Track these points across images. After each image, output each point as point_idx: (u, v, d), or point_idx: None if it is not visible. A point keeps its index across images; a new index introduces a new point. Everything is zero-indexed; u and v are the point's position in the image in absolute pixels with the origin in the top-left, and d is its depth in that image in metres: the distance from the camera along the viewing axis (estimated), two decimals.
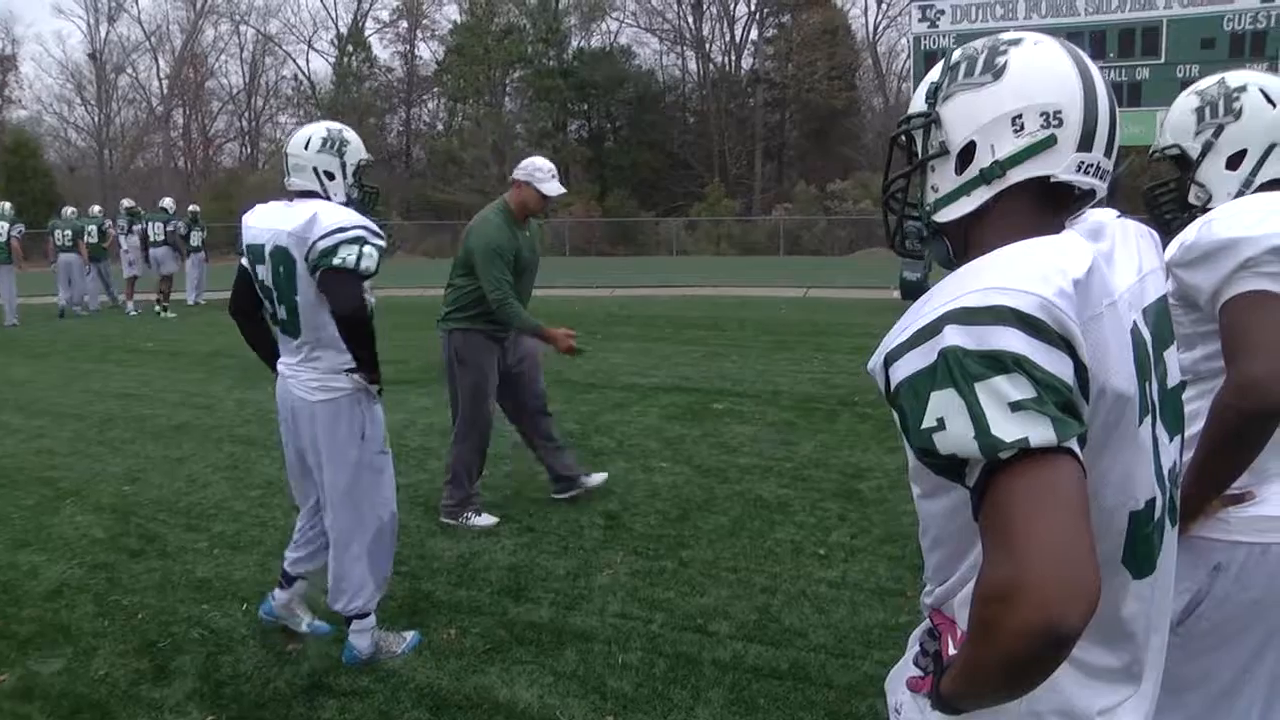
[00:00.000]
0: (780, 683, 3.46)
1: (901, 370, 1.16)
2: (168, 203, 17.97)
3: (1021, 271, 1.12)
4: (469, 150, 44.38)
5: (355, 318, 3.37)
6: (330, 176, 3.48)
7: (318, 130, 3.52)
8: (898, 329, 1.20)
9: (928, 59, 20.12)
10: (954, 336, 1.10)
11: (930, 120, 1.34)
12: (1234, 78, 2.13)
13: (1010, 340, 1.07)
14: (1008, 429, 1.05)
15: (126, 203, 18.52)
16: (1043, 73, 1.27)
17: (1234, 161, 2.12)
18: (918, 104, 1.38)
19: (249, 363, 3.50)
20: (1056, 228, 1.28)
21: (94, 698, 3.46)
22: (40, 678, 3.60)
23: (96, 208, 18.55)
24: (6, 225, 15.63)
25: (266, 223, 3.46)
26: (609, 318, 14.86)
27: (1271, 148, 2.10)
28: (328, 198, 3.47)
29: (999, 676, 1.08)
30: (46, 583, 4.49)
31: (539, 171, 5.06)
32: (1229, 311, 1.91)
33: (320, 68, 58.05)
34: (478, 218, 5.16)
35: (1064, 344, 1.09)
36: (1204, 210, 2.11)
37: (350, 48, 49.67)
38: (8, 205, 16.43)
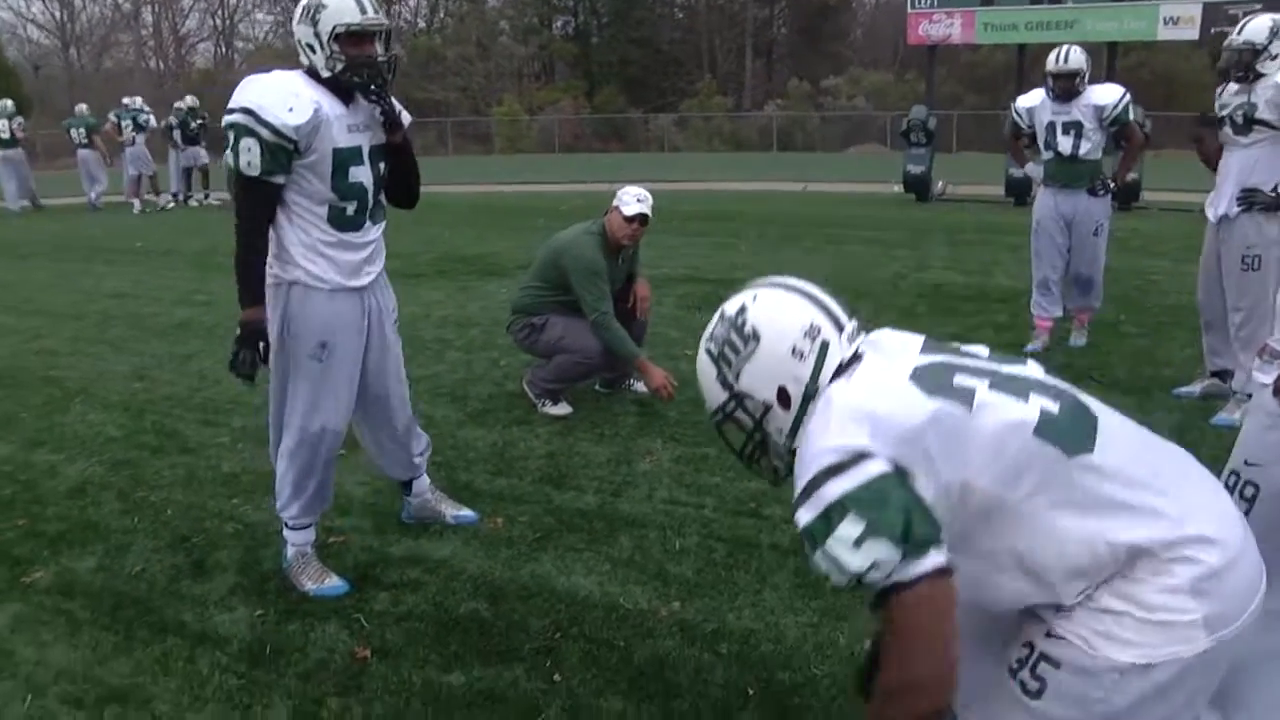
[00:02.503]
0: None
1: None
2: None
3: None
4: (451, 48, 43.15)
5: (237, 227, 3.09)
6: (311, 49, 3.03)
7: None
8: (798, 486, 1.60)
9: None
10: (804, 517, 1.56)
11: (739, 399, 1.73)
12: None
13: (832, 490, 1.51)
14: (857, 561, 1.49)
15: (190, 100, 17.63)
16: (781, 312, 1.69)
17: None
18: (716, 397, 1.77)
19: None
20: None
21: (134, 594, 3.32)
22: (77, 574, 3.46)
23: (136, 99, 17.47)
24: (6, 121, 16.01)
25: None
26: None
27: None
28: (318, 73, 3.07)
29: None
30: (67, 481, 4.32)
31: (625, 195, 4.91)
32: None
33: None
34: (570, 234, 5.00)
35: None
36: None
37: None
38: (9, 102, 16.41)
